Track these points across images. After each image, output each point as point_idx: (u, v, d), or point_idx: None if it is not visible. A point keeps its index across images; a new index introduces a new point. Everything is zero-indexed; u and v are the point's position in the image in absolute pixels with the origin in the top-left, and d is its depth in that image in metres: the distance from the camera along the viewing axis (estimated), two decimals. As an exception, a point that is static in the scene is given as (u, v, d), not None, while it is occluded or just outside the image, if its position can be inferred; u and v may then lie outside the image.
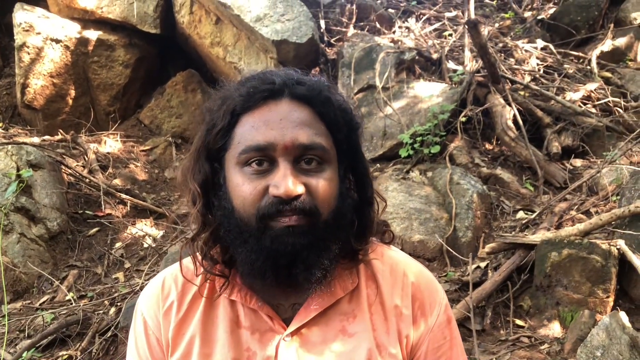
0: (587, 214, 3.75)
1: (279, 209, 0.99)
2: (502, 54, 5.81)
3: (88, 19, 5.97)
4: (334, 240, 1.06)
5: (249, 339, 1.11)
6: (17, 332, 3.58)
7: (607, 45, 5.96)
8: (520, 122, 4.64)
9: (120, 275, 4.12)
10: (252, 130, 1.02)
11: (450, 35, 6.27)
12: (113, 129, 6.00)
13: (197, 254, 1.12)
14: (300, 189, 0.99)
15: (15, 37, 5.67)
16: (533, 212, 4.00)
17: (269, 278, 1.03)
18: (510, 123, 4.67)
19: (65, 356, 3.33)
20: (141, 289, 3.70)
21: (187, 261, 1.17)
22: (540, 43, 5.99)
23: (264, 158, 1.01)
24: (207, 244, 1.10)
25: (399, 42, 5.93)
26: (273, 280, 1.04)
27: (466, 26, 5.29)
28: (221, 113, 1.07)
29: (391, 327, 1.14)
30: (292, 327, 1.10)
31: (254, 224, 1.01)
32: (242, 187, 1.02)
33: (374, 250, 1.19)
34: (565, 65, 5.73)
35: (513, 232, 3.75)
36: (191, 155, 1.12)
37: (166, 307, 1.15)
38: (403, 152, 4.58)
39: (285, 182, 0.98)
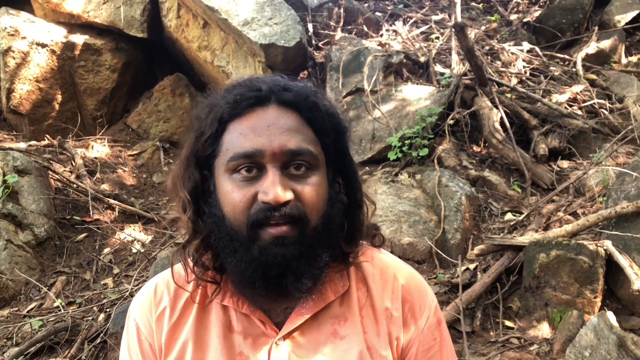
0: (575, 215, 3.78)
1: (268, 215, 0.99)
2: (489, 57, 5.85)
3: (74, 23, 5.94)
4: (324, 248, 1.06)
5: (242, 343, 1.11)
6: (5, 340, 3.54)
7: (592, 47, 6.03)
8: (507, 124, 4.67)
9: (109, 281, 4.10)
10: (240, 137, 1.03)
11: (437, 38, 6.30)
12: (100, 133, 5.97)
13: (189, 260, 1.12)
14: (289, 195, 1.00)
15: (0, 42, 5.63)
16: (521, 213, 4.03)
17: (259, 288, 1.03)
18: (497, 125, 4.70)
19: (54, 363, 3.31)
20: (130, 294, 3.68)
21: (179, 267, 1.17)
22: (526, 46, 6.04)
23: (252, 165, 1.01)
24: (198, 251, 1.10)
25: (387, 46, 5.95)
26: (263, 290, 1.04)
27: (453, 29, 5.33)
28: (209, 121, 1.07)
29: (382, 330, 1.15)
30: (284, 331, 1.11)
31: (244, 232, 1.01)
32: (232, 194, 1.02)
33: (364, 253, 1.19)
34: (551, 68, 5.79)
35: (501, 234, 3.77)
36: (181, 162, 1.13)
37: (159, 313, 1.15)
38: (392, 155, 4.59)
39: (274, 188, 0.98)
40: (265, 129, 1.02)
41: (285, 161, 1.02)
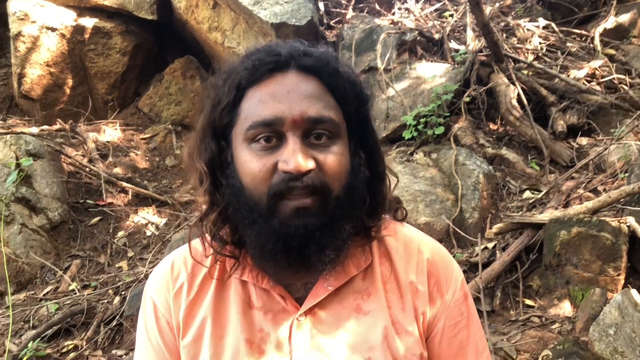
0: (595, 192, 3.70)
1: (290, 185, 0.95)
2: (504, 33, 5.72)
3: (84, 7, 5.88)
4: (346, 219, 1.02)
5: (262, 319, 1.08)
6: (22, 323, 3.56)
7: (610, 22, 5.87)
8: (525, 101, 4.57)
9: (123, 264, 4.10)
10: (259, 104, 0.98)
11: (451, 15, 6.17)
12: (112, 117, 5.95)
13: (206, 235, 1.08)
14: (310, 164, 0.95)
15: (10, 27, 5.60)
16: (540, 191, 3.95)
17: (281, 260, 0.99)
18: (514, 102, 4.60)
19: (71, 346, 3.32)
20: (145, 277, 3.68)
21: (196, 243, 1.13)
22: (542, 22, 5.90)
23: (272, 134, 0.97)
24: (216, 224, 1.06)
25: (400, 24, 5.84)
26: (285, 262, 1.00)
27: (468, 3, 5.21)
28: (226, 88, 1.02)
29: (407, 304, 1.10)
30: (306, 306, 1.06)
31: (264, 202, 0.97)
32: (251, 164, 0.98)
33: (386, 227, 1.14)
34: (568, 44, 5.64)
35: (520, 212, 3.70)
36: (197, 133, 1.08)
37: (176, 290, 1.12)
38: (407, 134, 4.52)
39: (295, 157, 0.94)
40: (286, 95, 0.97)
41: (306, 129, 0.97)
